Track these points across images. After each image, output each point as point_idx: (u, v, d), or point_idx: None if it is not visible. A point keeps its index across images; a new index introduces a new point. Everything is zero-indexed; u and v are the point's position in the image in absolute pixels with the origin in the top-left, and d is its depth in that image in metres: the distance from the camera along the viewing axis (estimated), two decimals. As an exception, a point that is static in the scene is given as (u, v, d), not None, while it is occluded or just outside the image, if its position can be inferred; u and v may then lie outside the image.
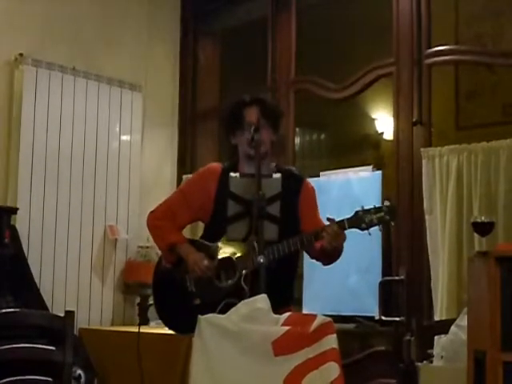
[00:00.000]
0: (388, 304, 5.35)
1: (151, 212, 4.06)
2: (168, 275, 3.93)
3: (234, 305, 3.38)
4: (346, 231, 3.68)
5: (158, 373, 5.08)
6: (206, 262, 3.78)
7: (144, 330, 5.40)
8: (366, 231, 3.67)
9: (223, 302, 3.68)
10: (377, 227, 3.70)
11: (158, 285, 4.01)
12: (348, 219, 3.67)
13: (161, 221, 3.98)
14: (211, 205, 3.90)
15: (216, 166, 4.04)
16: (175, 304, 3.89)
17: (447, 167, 5.11)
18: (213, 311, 3.52)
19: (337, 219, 3.68)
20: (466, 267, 4.48)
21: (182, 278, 3.86)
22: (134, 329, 5.61)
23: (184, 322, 3.64)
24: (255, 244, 3.47)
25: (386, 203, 3.73)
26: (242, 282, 3.67)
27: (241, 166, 3.94)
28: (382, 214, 3.67)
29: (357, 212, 3.68)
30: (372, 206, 3.69)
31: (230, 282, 3.75)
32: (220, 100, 7.02)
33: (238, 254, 3.73)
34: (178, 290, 3.87)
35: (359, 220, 3.67)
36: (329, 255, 3.80)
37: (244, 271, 3.67)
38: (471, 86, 6.57)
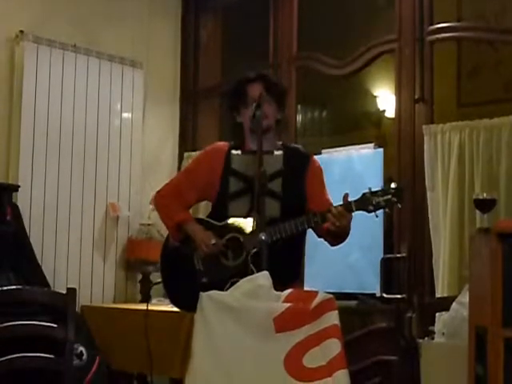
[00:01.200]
0: (389, 281, 5.35)
1: (158, 191, 4.07)
2: (176, 253, 3.94)
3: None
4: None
5: (160, 349, 5.09)
6: (213, 241, 3.78)
7: (145, 307, 5.41)
8: (372, 213, 3.67)
9: (230, 281, 3.67)
10: (383, 209, 3.70)
11: (166, 263, 4.01)
12: (355, 201, 3.65)
13: (168, 199, 3.99)
14: (217, 183, 3.90)
15: (222, 144, 4.04)
16: (182, 282, 3.89)
17: (449, 144, 5.10)
18: (220, 290, 3.52)
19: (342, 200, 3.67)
20: (467, 244, 4.49)
21: (189, 256, 3.87)
22: (136, 306, 5.65)
23: (191, 300, 3.64)
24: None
25: (393, 185, 3.71)
26: (250, 261, 3.67)
27: (246, 143, 3.94)
28: (390, 196, 3.65)
29: (364, 194, 3.66)
30: (379, 188, 3.68)
31: (237, 261, 3.75)
32: (222, 77, 7.00)
33: (246, 233, 3.73)
34: (185, 268, 3.88)
35: (366, 202, 3.65)
36: (334, 236, 3.80)
37: (252, 251, 3.67)
38: (473, 63, 6.56)
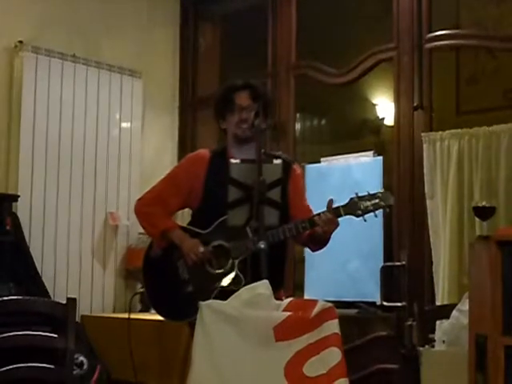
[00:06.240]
0: (389, 289, 5.35)
1: (139, 199, 4.03)
2: (159, 262, 3.90)
3: (227, 291, 3.39)
4: (342, 218, 3.68)
5: (160, 359, 5.08)
6: (201, 249, 3.75)
7: (145, 316, 5.42)
8: (361, 218, 3.68)
9: (217, 289, 3.67)
10: (372, 214, 3.71)
11: (149, 272, 3.96)
12: (343, 206, 3.68)
13: (151, 207, 3.94)
14: (201, 191, 3.88)
15: (204, 151, 4.03)
16: (167, 291, 3.85)
17: (448, 152, 5.11)
18: (206, 298, 3.49)
19: (334, 205, 3.68)
20: (467, 252, 4.49)
21: (173, 264, 3.84)
22: (136, 315, 5.64)
23: (176, 309, 3.64)
24: (248, 230, 3.52)
25: (381, 189, 3.75)
26: (237, 269, 3.67)
27: (229, 150, 3.93)
28: (377, 200, 3.68)
29: (352, 199, 3.69)
30: (366, 193, 3.70)
31: (223, 268, 3.74)
32: (220, 86, 7.00)
33: (232, 241, 3.72)
34: (169, 276, 3.84)
35: (354, 207, 3.67)
36: (318, 241, 3.80)
37: (238, 258, 3.66)
38: (472, 70, 6.55)
